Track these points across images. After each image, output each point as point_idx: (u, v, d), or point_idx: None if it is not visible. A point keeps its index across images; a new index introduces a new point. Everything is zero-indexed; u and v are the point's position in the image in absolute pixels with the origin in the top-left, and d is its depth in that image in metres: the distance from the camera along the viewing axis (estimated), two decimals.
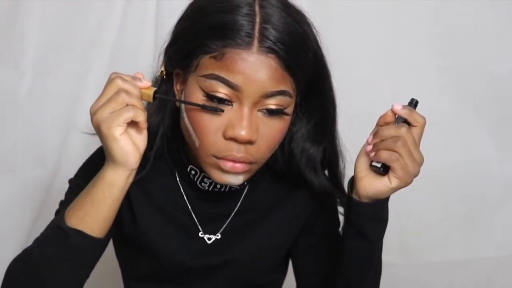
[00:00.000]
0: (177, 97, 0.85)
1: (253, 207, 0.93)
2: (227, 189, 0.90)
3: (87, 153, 1.00)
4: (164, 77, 0.86)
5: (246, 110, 0.78)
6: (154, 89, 0.77)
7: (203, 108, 0.78)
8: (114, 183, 0.77)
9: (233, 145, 0.79)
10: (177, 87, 0.85)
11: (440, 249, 1.50)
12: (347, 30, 1.40)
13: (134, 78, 0.77)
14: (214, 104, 0.78)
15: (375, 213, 0.82)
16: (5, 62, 1.40)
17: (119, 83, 0.74)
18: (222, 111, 0.78)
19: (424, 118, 0.80)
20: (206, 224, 0.93)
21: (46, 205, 1.43)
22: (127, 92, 0.74)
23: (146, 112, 0.76)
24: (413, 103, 0.81)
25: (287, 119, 0.82)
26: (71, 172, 0.98)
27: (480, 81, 1.43)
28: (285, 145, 0.89)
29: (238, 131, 0.78)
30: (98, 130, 0.75)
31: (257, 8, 0.78)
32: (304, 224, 0.96)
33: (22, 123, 1.42)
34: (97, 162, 0.87)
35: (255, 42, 0.76)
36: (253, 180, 0.91)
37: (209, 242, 0.93)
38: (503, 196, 1.49)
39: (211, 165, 0.82)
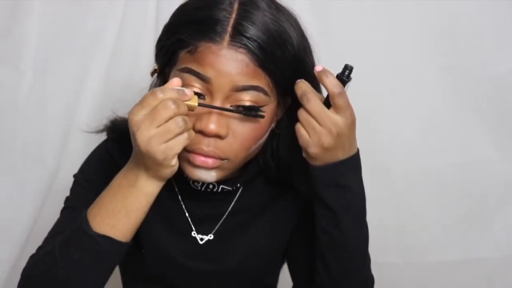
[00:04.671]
0: None
1: (246, 209, 0.93)
2: (219, 190, 0.90)
3: (87, 153, 1.00)
4: (157, 74, 0.86)
5: (216, 103, 0.79)
6: (196, 98, 0.77)
7: (243, 114, 0.79)
8: (154, 192, 0.79)
9: (202, 139, 0.80)
10: None
11: (440, 249, 1.49)
12: (347, 30, 1.40)
13: (178, 91, 0.75)
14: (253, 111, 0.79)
15: (330, 177, 0.81)
16: (5, 62, 1.40)
17: (173, 108, 0.73)
18: (263, 117, 0.79)
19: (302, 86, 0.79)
20: (199, 224, 0.93)
21: (46, 205, 1.43)
22: (184, 118, 0.73)
23: None
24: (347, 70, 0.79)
25: (264, 122, 0.82)
26: (71, 172, 0.98)
27: (480, 81, 1.42)
28: (274, 152, 0.89)
29: (206, 124, 0.78)
30: (150, 157, 0.73)
31: (236, 5, 0.79)
32: (297, 224, 0.96)
33: (22, 123, 1.42)
34: (105, 156, 0.88)
35: (227, 37, 0.77)
36: (247, 182, 0.91)
37: (201, 242, 0.93)
38: (503, 196, 1.48)
39: (184, 159, 0.82)
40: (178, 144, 0.73)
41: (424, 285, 1.51)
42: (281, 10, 0.82)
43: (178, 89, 0.76)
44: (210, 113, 0.79)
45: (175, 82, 0.77)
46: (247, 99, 0.79)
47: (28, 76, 1.41)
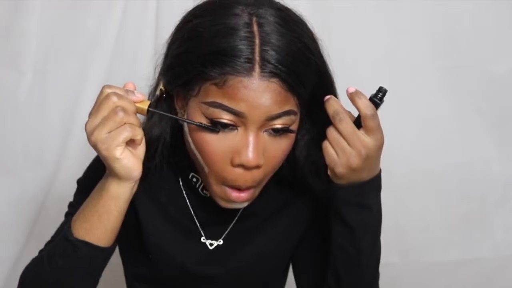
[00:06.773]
0: (179, 114, 0.83)
1: (256, 213, 0.93)
2: None
3: (87, 153, 1.00)
4: (164, 95, 0.84)
5: (251, 134, 0.77)
6: (148, 102, 0.77)
7: (200, 127, 0.77)
8: (120, 196, 0.78)
9: (240, 173, 0.78)
10: (178, 104, 0.83)
11: (440, 249, 1.50)
12: (347, 30, 1.40)
13: (127, 91, 0.75)
14: (210, 125, 0.77)
15: (353, 197, 0.81)
16: (5, 62, 1.40)
17: (115, 100, 0.73)
18: (218, 131, 0.77)
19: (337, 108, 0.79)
20: (208, 229, 0.92)
21: (46, 205, 1.43)
22: (124, 110, 0.72)
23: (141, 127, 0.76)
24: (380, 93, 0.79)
25: (292, 136, 0.81)
26: (71, 172, 0.99)
27: (480, 81, 1.43)
28: (290, 152, 0.87)
29: (246, 158, 0.77)
30: (97, 150, 0.74)
31: (255, 28, 0.75)
32: (306, 229, 0.95)
33: (22, 123, 1.42)
34: None
35: (256, 68, 0.74)
36: None
37: (211, 247, 0.92)
38: (503, 196, 1.49)
39: (218, 193, 0.82)
40: (119, 135, 0.72)
41: (424, 285, 1.51)
42: (295, 21, 0.79)
43: (128, 90, 0.76)
44: (247, 145, 0.77)
45: (129, 85, 0.77)
46: (279, 123, 0.77)
47: (28, 76, 1.41)
